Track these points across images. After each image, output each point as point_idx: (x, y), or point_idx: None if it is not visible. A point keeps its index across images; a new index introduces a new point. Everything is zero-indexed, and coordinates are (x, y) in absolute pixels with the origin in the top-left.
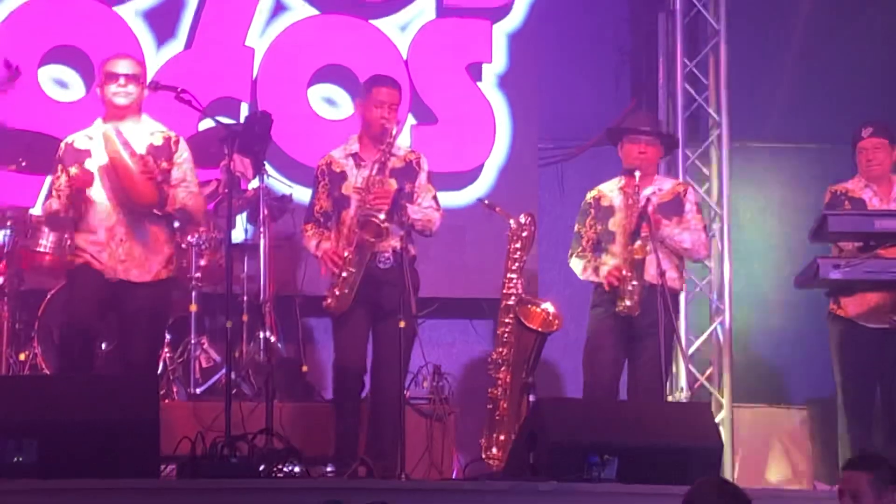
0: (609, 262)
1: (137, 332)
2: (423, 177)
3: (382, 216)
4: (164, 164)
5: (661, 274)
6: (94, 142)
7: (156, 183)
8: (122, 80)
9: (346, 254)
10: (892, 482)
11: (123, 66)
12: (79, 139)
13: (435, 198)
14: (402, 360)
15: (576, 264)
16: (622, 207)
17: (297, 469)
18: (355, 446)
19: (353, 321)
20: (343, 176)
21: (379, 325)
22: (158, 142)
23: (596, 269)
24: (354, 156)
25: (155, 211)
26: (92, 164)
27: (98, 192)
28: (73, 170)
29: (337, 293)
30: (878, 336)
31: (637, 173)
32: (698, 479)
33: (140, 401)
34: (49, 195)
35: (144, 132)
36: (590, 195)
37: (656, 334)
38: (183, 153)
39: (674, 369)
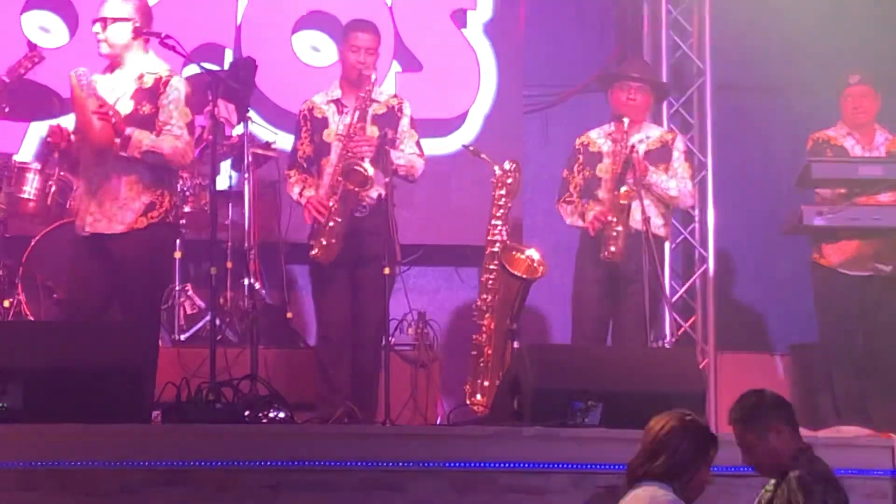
0: (595, 208)
1: (121, 284)
2: (405, 122)
3: (367, 164)
4: (147, 108)
5: (646, 221)
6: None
7: (111, 124)
8: (97, 27)
9: (330, 203)
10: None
11: (106, 9)
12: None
13: (418, 143)
14: (379, 304)
15: (563, 209)
16: (610, 153)
17: (281, 414)
18: (339, 394)
19: (332, 273)
20: (324, 122)
21: (359, 272)
22: (148, 84)
23: (582, 215)
24: (336, 102)
25: (122, 154)
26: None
27: (82, 145)
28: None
29: (324, 242)
30: (860, 283)
31: (626, 120)
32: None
33: (130, 347)
34: None
35: (129, 77)
36: (578, 141)
37: (640, 280)
38: (170, 93)
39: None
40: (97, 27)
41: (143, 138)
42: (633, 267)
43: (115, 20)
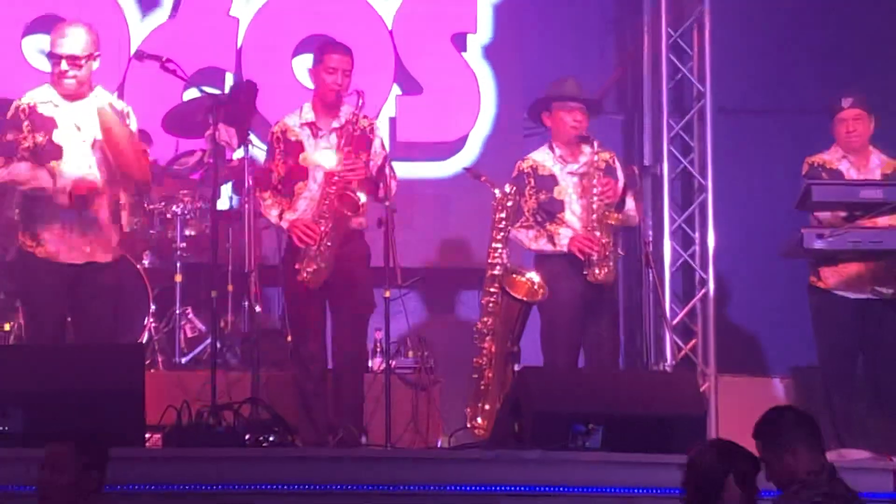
0: (564, 231)
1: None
2: (377, 143)
3: (361, 194)
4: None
5: (646, 243)
6: None
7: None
8: (64, 65)
9: (322, 227)
10: None
11: (72, 46)
12: None
13: (390, 163)
14: (356, 327)
15: (522, 234)
16: (566, 175)
17: (283, 438)
18: (319, 424)
19: (310, 300)
20: (299, 146)
21: (338, 298)
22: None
23: (551, 238)
24: (310, 125)
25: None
26: None
27: None
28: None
29: (314, 267)
30: (858, 306)
31: (595, 142)
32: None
33: (125, 370)
34: None
35: (95, 106)
36: (525, 164)
37: (613, 300)
38: (132, 123)
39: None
40: (64, 64)
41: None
42: (607, 286)
43: (88, 57)
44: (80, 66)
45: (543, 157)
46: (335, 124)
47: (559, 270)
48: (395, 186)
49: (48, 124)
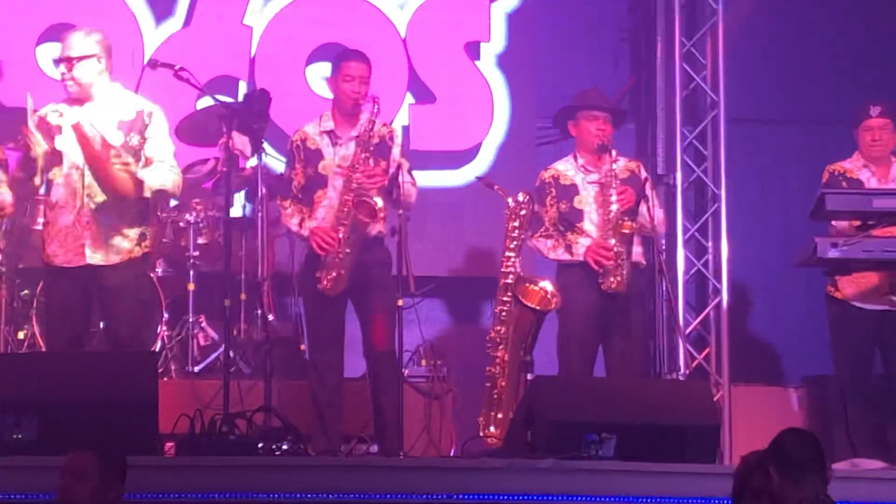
0: (582, 240)
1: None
2: (396, 151)
3: (378, 199)
4: (136, 140)
5: (660, 252)
6: None
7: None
8: (62, 68)
9: (340, 234)
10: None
11: (69, 48)
12: None
13: (410, 171)
14: (393, 339)
15: (541, 244)
16: (596, 184)
17: (295, 447)
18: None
19: (329, 309)
20: (319, 154)
21: (363, 306)
22: (131, 116)
23: (568, 248)
24: (329, 133)
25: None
26: None
27: None
28: None
29: (333, 274)
30: (875, 317)
31: (614, 151)
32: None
33: (138, 379)
34: None
35: (106, 109)
36: (546, 175)
37: (637, 310)
38: (158, 125)
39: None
40: (62, 67)
41: (153, 180)
42: (628, 295)
43: (80, 58)
44: (72, 67)
45: (566, 167)
46: (354, 132)
47: (577, 280)
48: (415, 194)
49: (52, 132)
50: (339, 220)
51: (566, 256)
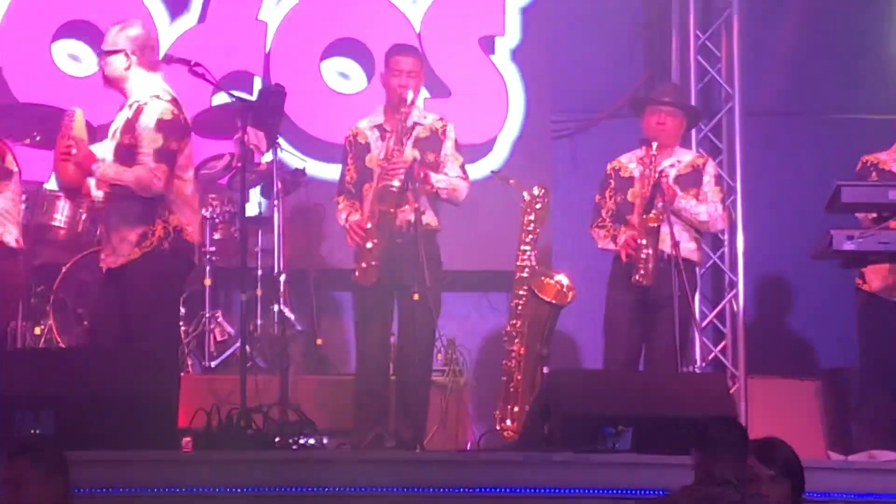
0: (626, 232)
1: (131, 315)
2: (448, 145)
3: (396, 183)
4: (127, 139)
5: (675, 245)
6: None
7: (78, 165)
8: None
9: (368, 225)
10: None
11: (105, 42)
12: None
13: (462, 166)
14: (419, 333)
15: (596, 234)
16: (639, 178)
17: (312, 441)
18: (375, 422)
19: (373, 302)
20: (367, 148)
21: (400, 300)
22: (131, 113)
23: (615, 239)
24: (379, 127)
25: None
26: None
27: None
28: None
29: (364, 265)
30: None
31: (654, 144)
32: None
33: (158, 374)
34: None
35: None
36: (610, 166)
37: (671, 306)
38: (142, 120)
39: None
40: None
41: (108, 172)
42: (664, 292)
43: (109, 53)
44: (101, 62)
45: (629, 159)
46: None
47: (619, 270)
48: (466, 188)
49: (87, 129)
50: (371, 211)
51: (611, 247)
